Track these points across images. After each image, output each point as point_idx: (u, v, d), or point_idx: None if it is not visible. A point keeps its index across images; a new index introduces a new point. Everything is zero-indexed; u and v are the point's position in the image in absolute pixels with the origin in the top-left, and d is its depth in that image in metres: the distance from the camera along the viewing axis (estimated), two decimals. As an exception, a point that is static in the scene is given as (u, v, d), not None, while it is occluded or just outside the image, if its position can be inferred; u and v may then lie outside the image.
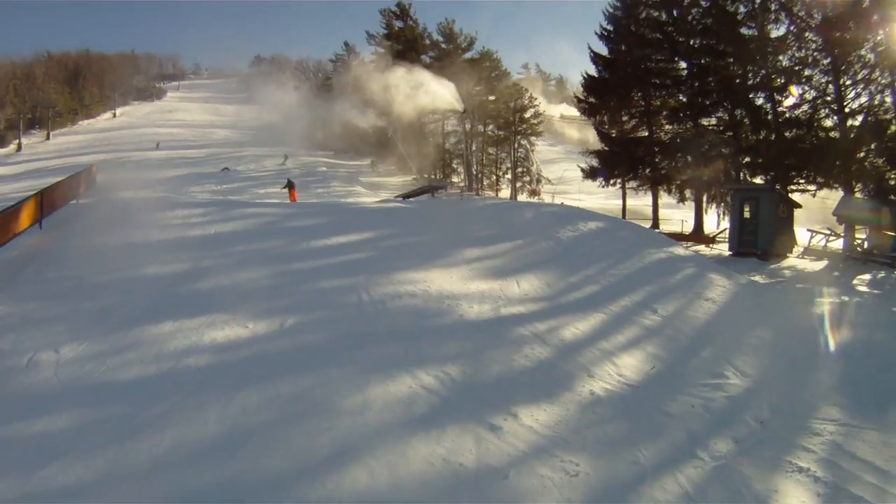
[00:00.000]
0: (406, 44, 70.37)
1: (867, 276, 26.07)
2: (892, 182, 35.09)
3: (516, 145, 69.13)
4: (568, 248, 18.27)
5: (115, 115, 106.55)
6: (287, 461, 7.80)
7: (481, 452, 8.17)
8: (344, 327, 11.74)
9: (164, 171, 48.02)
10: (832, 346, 13.86)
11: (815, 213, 40.61)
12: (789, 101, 39.48)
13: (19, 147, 74.49)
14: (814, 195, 40.77)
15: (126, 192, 20.56)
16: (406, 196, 26.38)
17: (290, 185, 35.43)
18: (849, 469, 8.61)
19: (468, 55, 71.59)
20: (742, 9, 42.65)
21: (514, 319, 13.08)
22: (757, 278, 23.18)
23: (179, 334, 10.57)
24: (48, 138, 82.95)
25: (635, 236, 20.83)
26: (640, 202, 53.81)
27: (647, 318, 14.28)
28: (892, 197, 33.79)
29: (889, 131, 35.38)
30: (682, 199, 46.16)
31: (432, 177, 66.45)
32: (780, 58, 40.88)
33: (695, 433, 9.36)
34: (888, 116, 35.68)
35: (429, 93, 52.00)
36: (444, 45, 72.36)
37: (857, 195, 35.66)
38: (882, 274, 27.07)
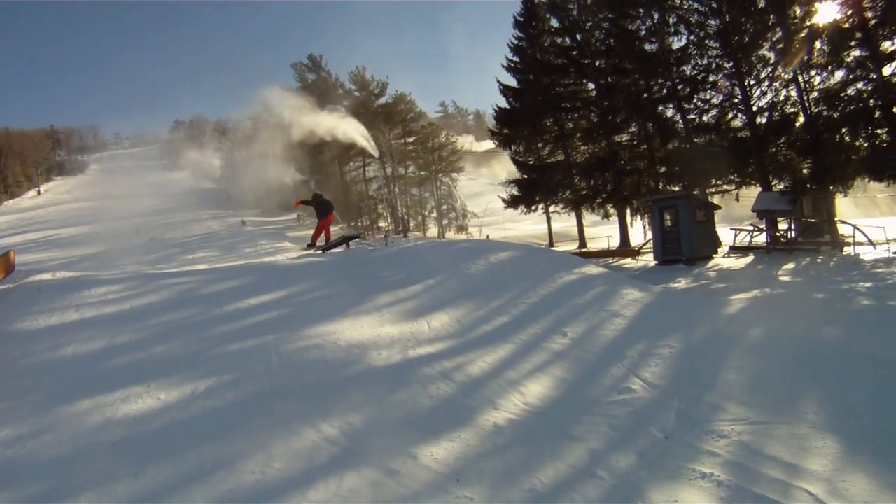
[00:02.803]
0: (320, 95, 70.68)
1: (791, 266, 26.53)
2: (806, 172, 35.71)
3: (438, 183, 69.67)
4: (478, 282, 18.19)
5: (39, 193, 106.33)
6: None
7: (377, 497, 8.02)
8: (252, 388, 11.49)
9: (91, 246, 47.65)
10: (744, 343, 13.94)
11: (745, 210, 41.28)
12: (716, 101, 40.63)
13: (-55, 232, 73.21)
14: (737, 198, 41.62)
15: (46, 275, 20.23)
16: (325, 249, 26.20)
17: (321, 207, 28.13)
18: (754, 468, 8.58)
19: (382, 100, 72.23)
20: (642, 26, 43.43)
21: (422, 361, 12.90)
22: (682, 284, 23.46)
23: (95, 412, 10.30)
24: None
25: (546, 262, 20.80)
26: (567, 223, 54.53)
27: (556, 343, 14.22)
28: (809, 186, 34.46)
29: (797, 124, 36.10)
30: (605, 216, 46.90)
31: (359, 224, 66.72)
32: (684, 68, 41.69)
33: (596, 452, 9.27)
34: (794, 110, 36.48)
35: (340, 131, 52.18)
36: (357, 94, 72.87)
37: (775, 189, 36.32)
38: (806, 261, 27.46)
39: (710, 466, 8.71)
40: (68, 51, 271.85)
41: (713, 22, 39.89)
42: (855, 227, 32.73)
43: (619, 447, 9.45)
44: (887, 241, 32.69)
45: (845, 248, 31.98)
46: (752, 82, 38.94)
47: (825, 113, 35.34)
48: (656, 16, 42.35)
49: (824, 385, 11.35)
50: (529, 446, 9.52)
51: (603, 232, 51.73)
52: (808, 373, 11.99)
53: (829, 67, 35.46)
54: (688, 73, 41.86)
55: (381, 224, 72.00)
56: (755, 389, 11.40)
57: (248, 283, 18.29)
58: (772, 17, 37.26)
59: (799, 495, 7.85)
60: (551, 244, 52.68)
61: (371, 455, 9.10)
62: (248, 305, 16.32)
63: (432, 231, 71.42)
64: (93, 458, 8.92)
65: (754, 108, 38.91)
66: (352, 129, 54.36)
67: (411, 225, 73.77)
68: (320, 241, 26.30)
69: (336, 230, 46.96)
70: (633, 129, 45.40)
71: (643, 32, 43.40)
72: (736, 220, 46.92)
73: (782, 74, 37.55)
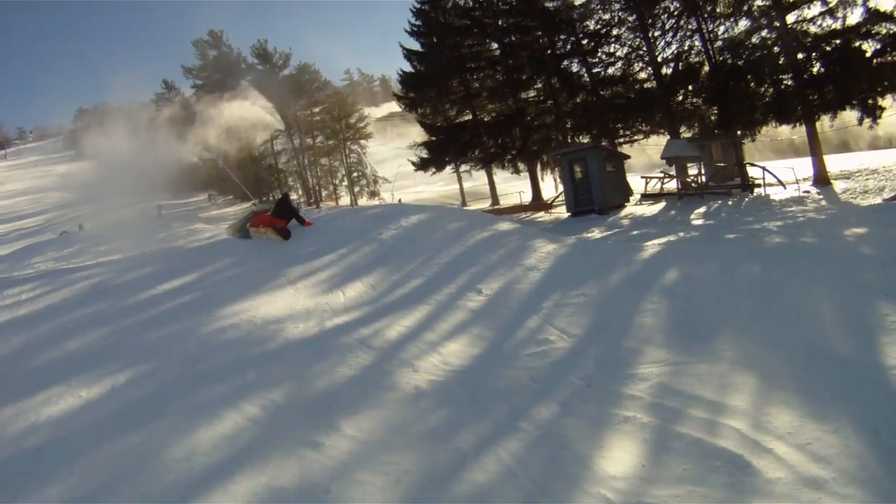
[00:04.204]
0: (223, 71, 69.92)
1: (703, 210, 26.94)
2: (714, 119, 36.22)
3: (347, 151, 69.44)
4: (391, 247, 18.10)
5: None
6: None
7: (304, 472, 7.85)
8: (171, 375, 11.18)
9: (2, 248, 46.63)
10: (659, 287, 13.98)
11: (655, 158, 41.81)
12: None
13: None
14: (637, 142, 42.19)
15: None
16: (236, 228, 25.71)
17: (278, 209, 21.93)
18: (676, 408, 8.56)
19: (286, 72, 71.60)
20: (543, -17, 43.51)
21: (339, 330, 12.84)
22: (595, 233, 23.72)
23: (18, 418, 9.91)
24: None
25: (459, 221, 20.72)
26: (479, 182, 54.79)
27: (472, 301, 14.24)
28: (717, 132, 34.95)
29: (703, 72, 36.50)
30: (516, 172, 47.13)
31: (269, 199, 66.19)
32: (587, 23, 41.86)
33: (518, 405, 9.21)
34: (699, 59, 36.87)
35: (242, 118, 51.50)
36: (260, 67, 72.07)
37: (683, 136, 36.81)
38: (718, 204, 27.85)
39: (632, 410, 8.68)
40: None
41: (616, -25, 40.26)
42: (764, 169, 33.33)
43: (541, 398, 9.38)
44: (797, 182, 33.27)
45: (755, 190, 32.52)
46: (656, 34, 39.36)
47: (730, 61, 35.89)
48: (557, -27, 42.61)
49: (740, 322, 11.42)
50: (452, 406, 9.43)
51: (515, 188, 52.19)
52: (723, 311, 12.08)
53: (733, 17, 35.92)
54: (591, 27, 42.27)
55: (293, 197, 71.82)
56: (672, 331, 11.45)
57: (161, 269, 17.99)
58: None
59: (724, 431, 7.84)
60: (464, 203, 53.01)
61: (295, 430, 8.92)
62: (162, 291, 16.02)
63: (344, 200, 71.39)
64: (19, 466, 8.61)
65: (659, 59, 39.45)
66: (255, 109, 53.77)
67: (323, 195, 73.66)
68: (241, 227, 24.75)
69: (249, 207, 46.60)
70: (538, 85, 45.76)
71: (544, -11, 43.63)
72: (647, 168, 47.45)
73: (686, 25, 37.94)
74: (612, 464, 7.51)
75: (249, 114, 52.25)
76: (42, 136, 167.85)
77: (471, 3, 48.42)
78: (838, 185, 30.86)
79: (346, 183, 71.60)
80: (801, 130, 36.06)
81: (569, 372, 10.29)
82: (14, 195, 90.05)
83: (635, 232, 23.51)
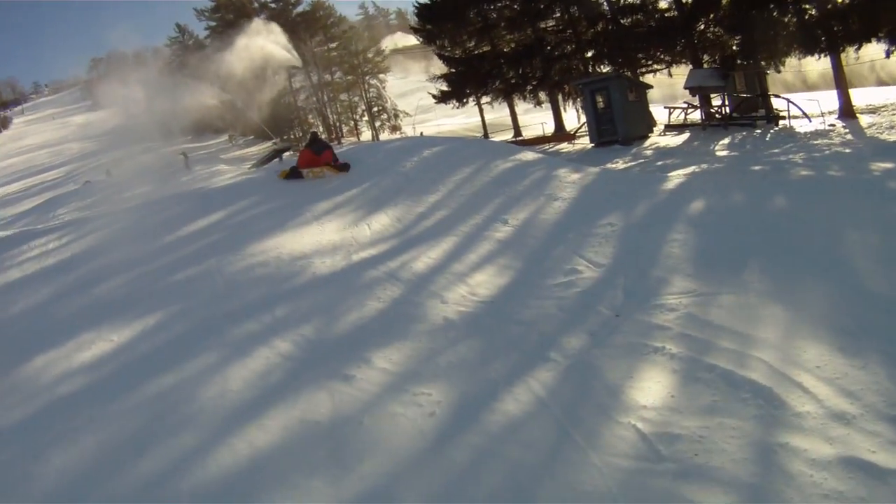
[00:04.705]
0: (236, 11, 69.26)
1: (727, 141, 26.65)
2: (735, 48, 35.68)
3: (367, 86, 69.01)
4: (414, 179, 18.08)
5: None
6: (157, 461, 7.39)
7: (336, 405, 7.93)
8: (201, 315, 11.28)
9: (24, 203, 46.77)
10: (685, 217, 13.91)
11: (678, 88, 41.34)
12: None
13: None
14: (670, 74, 41.59)
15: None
16: (257, 165, 25.68)
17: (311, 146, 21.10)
18: (705, 339, 8.55)
19: (299, 9, 71.13)
20: None
21: (367, 263, 12.94)
22: (619, 163, 23.62)
23: (51, 366, 10.00)
24: None
25: (481, 152, 20.66)
26: (502, 114, 54.24)
27: (498, 231, 14.24)
28: (739, 62, 34.47)
29: (724, 1, 35.84)
30: (538, 103, 46.59)
31: (291, 137, 65.99)
32: (607, -51, 41.10)
33: (548, 335, 9.26)
34: (719, -12, 36.15)
35: (260, 53, 51.10)
36: (272, 5, 71.46)
37: (706, 66, 36.32)
38: (742, 135, 27.55)
39: (661, 340, 8.68)
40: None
41: None
42: (789, 101, 32.89)
43: (570, 328, 9.42)
44: (822, 114, 32.80)
45: (780, 122, 32.16)
46: (676, -40, 38.66)
47: (752, -10, 35.15)
48: None
49: (767, 254, 11.33)
50: (481, 337, 9.50)
51: (537, 119, 51.58)
52: (750, 243, 12.01)
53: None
54: (609, -47, 41.53)
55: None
56: (699, 262, 11.41)
57: (185, 210, 18.00)
58: None
59: (752, 363, 7.81)
60: (486, 135, 52.49)
61: (326, 364, 9.00)
62: (188, 233, 16.08)
63: (366, 135, 71.16)
64: (55, 412, 8.68)
65: (679, -12, 38.72)
66: (271, 46, 53.34)
67: (344, 131, 73.55)
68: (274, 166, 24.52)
69: (270, 146, 46.30)
70: (557, 14, 45.03)
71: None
72: (669, 100, 46.97)
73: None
74: (642, 394, 7.55)
75: (266, 51, 51.87)
76: (58, 88, 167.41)
77: (485, -68, 47.64)
78: (864, 120, 30.17)
79: (366, 118, 71.56)
80: (808, 65, 35.69)
81: (597, 302, 10.29)
82: (34, 149, 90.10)
83: (660, 162, 23.37)
